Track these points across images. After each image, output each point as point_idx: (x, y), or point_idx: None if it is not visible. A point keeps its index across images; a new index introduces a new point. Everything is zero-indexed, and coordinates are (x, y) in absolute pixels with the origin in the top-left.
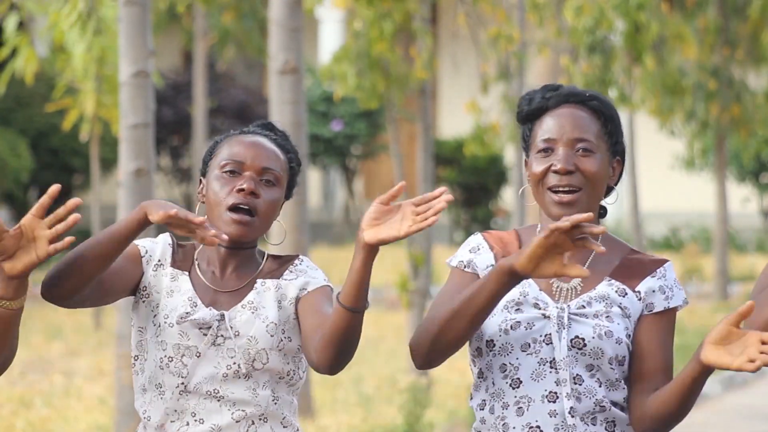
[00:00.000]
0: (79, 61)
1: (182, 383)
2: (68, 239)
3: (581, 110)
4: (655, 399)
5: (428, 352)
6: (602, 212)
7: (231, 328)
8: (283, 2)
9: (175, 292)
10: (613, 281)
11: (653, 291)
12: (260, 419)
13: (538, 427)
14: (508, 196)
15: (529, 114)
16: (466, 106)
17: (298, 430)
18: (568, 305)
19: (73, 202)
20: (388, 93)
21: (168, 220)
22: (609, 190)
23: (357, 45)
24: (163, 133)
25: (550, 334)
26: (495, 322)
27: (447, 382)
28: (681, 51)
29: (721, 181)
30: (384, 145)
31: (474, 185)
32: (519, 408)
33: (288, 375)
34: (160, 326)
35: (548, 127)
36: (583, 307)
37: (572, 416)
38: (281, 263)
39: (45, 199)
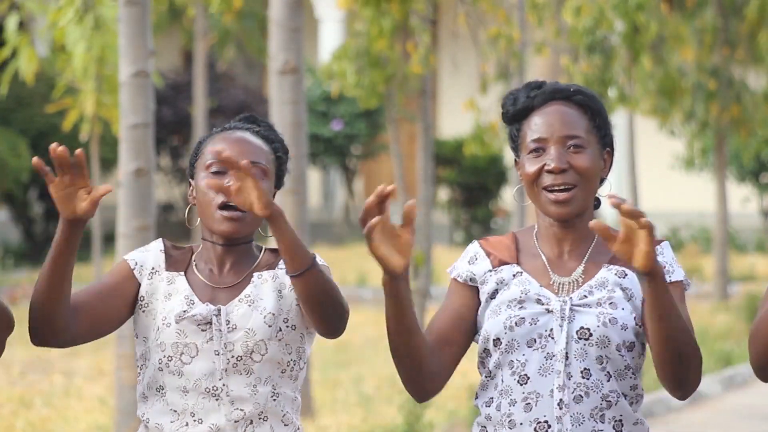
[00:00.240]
0: (79, 60)
1: (182, 382)
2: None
3: (568, 106)
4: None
5: (412, 389)
6: (596, 204)
7: (228, 322)
8: (283, 2)
9: (172, 294)
10: (611, 266)
11: None
12: (259, 418)
13: (546, 422)
14: (508, 196)
15: (515, 114)
16: (465, 105)
17: (298, 428)
18: (570, 297)
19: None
20: (388, 91)
21: (53, 173)
22: (601, 182)
23: (357, 43)
24: (163, 133)
25: (553, 328)
26: (500, 320)
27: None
28: (680, 52)
29: (721, 181)
30: (384, 145)
31: (474, 185)
32: (527, 404)
33: (289, 366)
34: (158, 329)
35: (537, 126)
36: (585, 296)
37: (559, 407)
38: (277, 254)
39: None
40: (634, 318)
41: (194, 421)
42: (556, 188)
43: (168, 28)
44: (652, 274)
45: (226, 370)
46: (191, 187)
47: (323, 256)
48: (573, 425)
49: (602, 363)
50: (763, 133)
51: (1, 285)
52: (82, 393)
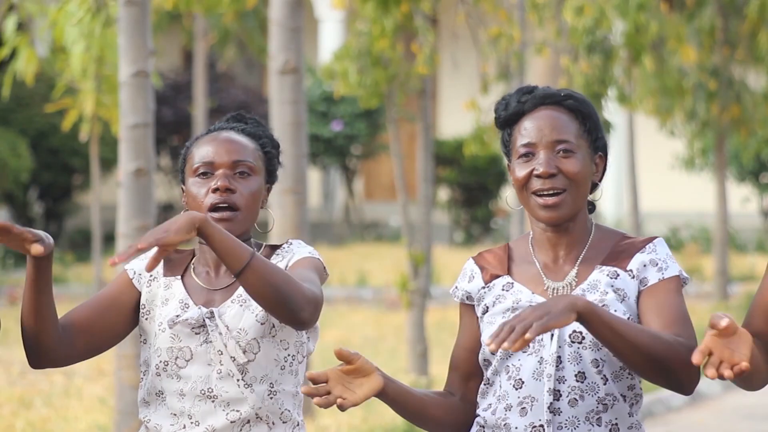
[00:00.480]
0: (77, 60)
1: (180, 385)
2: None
3: (558, 111)
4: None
5: None
6: (591, 208)
7: (220, 324)
8: (283, 2)
9: (169, 299)
10: (604, 267)
11: (644, 265)
12: (257, 417)
13: (542, 426)
14: (507, 197)
15: (506, 119)
16: (466, 105)
17: (299, 424)
18: None
19: None
20: (389, 91)
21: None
22: (594, 187)
23: (358, 43)
24: (163, 133)
25: (549, 332)
26: (494, 329)
27: None
28: (681, 52)
29: (721, 181)
30: (384, 145)
31: (474, 185)
32: (522, 408)
33: (287, 361)
34: (155, 335)
35: (527, 131)
36: None
37: (550, 412)
38: (271, 250)
39: None
40: (629, 318)
41: (191, 423)
42: (545, 193)
43: (168, 28)
44: (580, 319)
45: (220, 372)
46: (183, 193)
47: (323, 256)
48: (568, 429)
49: (598, 366)
50: (763, 133)
51: (1, 285)
52: (82, 393)
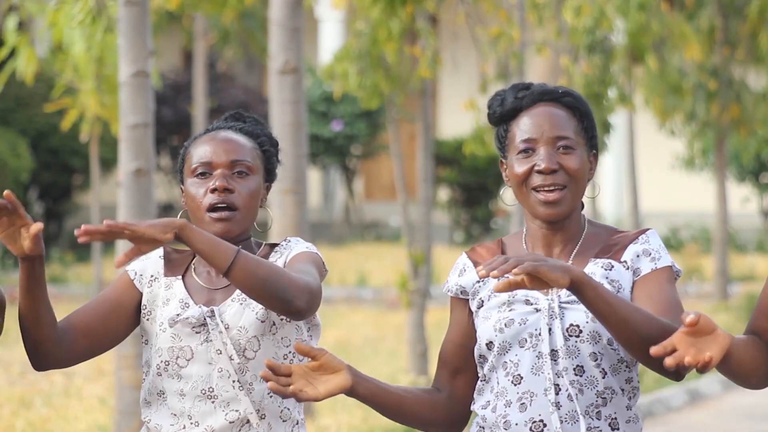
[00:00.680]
0: (77, 60)
1: (180, 385)
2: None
3: (557, 108)
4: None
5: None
6: (580, 206)
7: (221, 322)
8: (283, 2)
9: (170, 299)
10: (598, 260)
11: (638, 256)
12: (259, 417)
13: (542, 421)
14: (507, 197)
15: (503, 115)
16: (465, 105)
17: (298, 423)
18: (558, 295)
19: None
20: (390, 92)
21: None
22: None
23: (359, 44)
24: (163, 133)
25: (545, 326)
26: (490, 324)
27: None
28: (682, 51)
29: (721, 181)
30: (384, 145)
31: (474, 185)
32: (522, 404)
33: (287, 359)
34: (156, 335)
35: (526, 127)
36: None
37: (555, 406)
38: (270, 249)
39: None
40: None
41: (191, 423)
42: (546, 188)
43: (168, 28)
44: (573, 285)
45: (221, 370)
46: (183, 193)
47: (323, 256)
48: (568, 423)
49: (596, 359)
50: (763, 133)
51: (1, 285)
52: (82, 393)
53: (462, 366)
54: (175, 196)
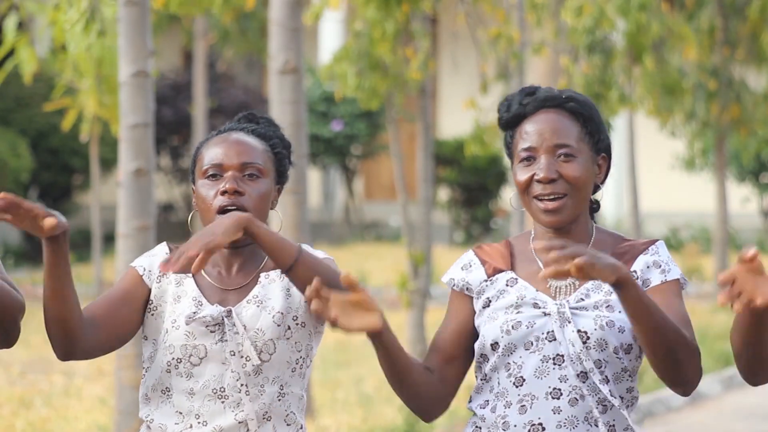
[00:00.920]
0: (78, 60)
1: (190, 384)
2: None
3: (559, 114)
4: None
5: (417, 413)
6: (596, 207)
7: (237, 323)
8: (283, 2)
9: (181, 296)
10: None
11: (648, 267)
12: (264, 418)
13: (540, 424)
14: (507, 197)
15: (509, 121)
16: (465, 104)
17: (301, 427)
18: (567, 300)
19: None
20: (389, 93)
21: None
22: (596, 188)
23: (357, 45)
24: (163, 133)
25: (552, 330)
26: (497, 324)
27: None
28: (681, 51)
29: (721, 181)
30: (384, 145)
31: (474, 185)
32: (522, 406)
33: (297, 363)
34: (167, 331)
35: (528, 135)
36: (582, 299)
37: (558, 413)
38: None
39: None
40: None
41: (198, 423)
42: (546, 197)
43: (168, 28)
44: (618, 283)
45: (233, 371)
46: (194, 194)
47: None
48: (567, 428)
49: (600, 366)
50: (763, 133)
51: None
52: (82, 393)
53: (456, 354)
54: (175, 196)
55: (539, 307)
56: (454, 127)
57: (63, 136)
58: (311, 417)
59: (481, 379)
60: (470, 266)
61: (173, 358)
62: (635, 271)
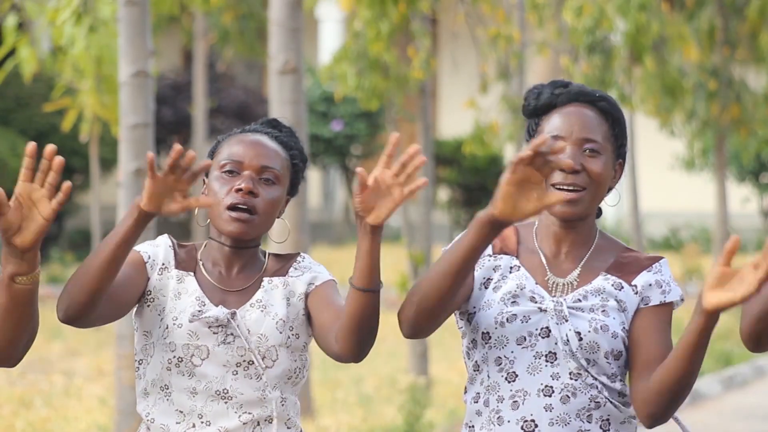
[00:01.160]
0: (78, 60)
1: (192, 383)
2: (66, 185)
3: (590, 110)
4: (658, 370)
5: (415, 317)
6: (597, 213)
7: (242, 325)
8: (283, 2)
9: (182, 293)
10: (609, 276)
11: (650, 285)
12: (266, 421)
13: (533, 420)
14: None
15: (536, 109)
16: (466, 104)
17: (301, 431)
18: (565, 299)
19: (50, 149)
20: (388, 93)
21: (159, 174)
22: (608, 191)
23: (357, 45)
24: (163, 133)
25: (547, 327)
26: (491, 314)
27: (447, 382)
28: (681, 51)
29: (721, 181)
30: (384, 145)
31: (474, 185)
32: (514, 402)
33: (295, 373)
34: (167, 328)
35: (557, 124)
36: (579, 300)
37: (550, 410)
38: (284, 261)
39: (27, 161)
40: (623, 329)
41: (202, 423)
42: (566, 187)
43: (168, 28)
44: (711, 315)
45: (236, 374)
46: (204, 185)
47: (323, 256)
48: (559, 425)
49: (593, 366)
50: (763, 133)
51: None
52: (82, 393)
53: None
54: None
55: (536, 302)
56: (454, 127)
57: (63, 136)
58: (311, 417)
59: (473, 368)
60: None
61: (174, 357)
62: (635, 286)
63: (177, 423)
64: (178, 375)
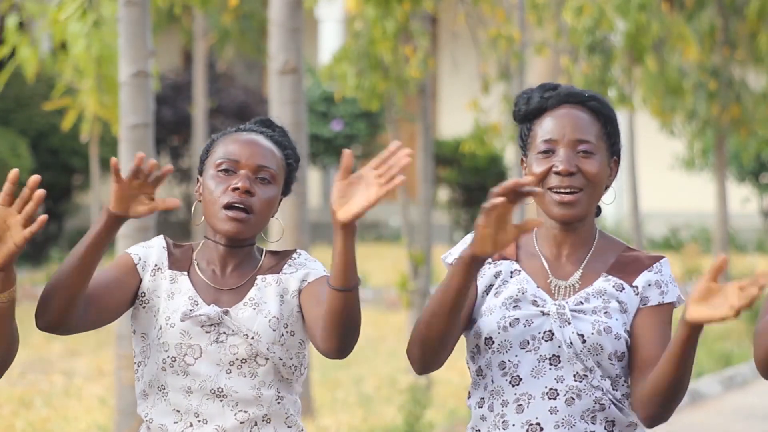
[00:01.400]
0: (78, 60)
1: (186, 382)
2: (42, 218)
3: (581, 111)
4: (650, 375)
5: (421, 356)
6: (597, 212)
7: (234, 325)
8: (283, 2)
9: (175, 293)
10: (610, 277)
11: (649, 285)
12: (263, 420)
13: (538, 424)
14: None
15: (527, 114)
16: (467, 105)
17: (302, 430)
18: (567, 302)
19: (33, 179)
20: (388, 93)
21: (123, 183)
22: (605, 189)
23: (357, 45)
24: (163, 133)
25: (550, 330)
26: (493, 319)
27: (447, 382)
28: (682, 51)
29: (721, 181)
30: (384, 145)
31: (474, 185)
32: (519, 405)
33: (291, 370)
34: (161, 328)
35: (549, 127)
36: (581, 303)
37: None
38: (280, 258)
39: (8, 186)
40: (625, 331)
41: (198, 422)
42: (562, 190)
43: (168, 28)
44: (694, 328)
45: (230, 372)
46: (199, 183)
47: (323, 256)
48: (564, 428)
49: (598, 368)
50: (763, 133)
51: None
52: (82, 393)
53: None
54: (175, 197)
55: (538, 305)
56: (454, 127)
57: (63, 136)
58: (311, 417)
59: (476, 373)
60: None
61: (168, 356)
62: (636, 286)
63: (175, 422)
64: (173, 375)
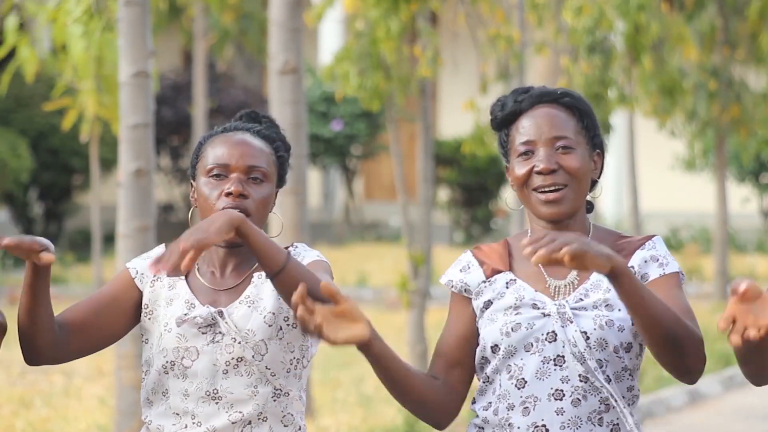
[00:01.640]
0: (78, 60)
1: (185, 385)
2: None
3: (556, 109)
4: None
5: (425, 421)
6: (589, 207)
7: (230, 322)
8: (283, 2)
9: (173, 299)
10: None
11: (645, 261)
12: (258, 418)
13: (545, 426)
14: (508, 197)
15: (503, 119)
16: (465, 105)
17: (300, 428)
18: (566, 301)
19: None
20: (390, 93)
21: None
22: (593, 184)
23: (359, 45)
24: (163, 133)
25: (553, 331)
26: (496, 327)
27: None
28: (681, 52)
29: (721, 181)
30: (384, 145)
31: (474, 185)
32: (525, 408)
33: (292, 364)
34: (161, 335)
35: (525, 129)
36: (581, 299)
37: (561, 414)
38: None
39: None
40: (630, 318)
41: (194, 423)
42: (546, 189)
43: (168, 28)
44: (613, 273)
45: (226, 372)
46: (192, 189)
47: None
48: (570, 429)
49: (602, 366)
50: (763, 133)
51: (1, 285)
52: (82, 393)
53: (460, 359)
54: (175, 196)
55: (538, 308)
56: (454, 127)
57: (63, 136)
58: (311, 417)
59: (484, 381)
60: (468, 268)
61: (167, 361)
62: (633, 267)
63: (173, 425)
64: (173, 378)
